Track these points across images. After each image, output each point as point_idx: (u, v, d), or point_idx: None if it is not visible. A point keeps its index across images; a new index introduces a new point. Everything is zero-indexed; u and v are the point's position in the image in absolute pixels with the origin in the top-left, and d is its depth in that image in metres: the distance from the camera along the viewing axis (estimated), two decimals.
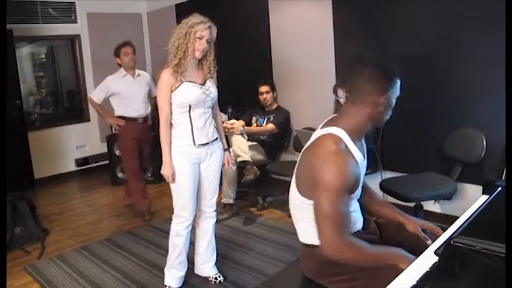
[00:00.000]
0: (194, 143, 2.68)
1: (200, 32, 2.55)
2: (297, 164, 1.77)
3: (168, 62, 2.62)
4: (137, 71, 4.30)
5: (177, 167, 2.67)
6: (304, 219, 1.73)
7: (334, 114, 1.81)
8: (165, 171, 2.66)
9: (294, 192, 1.76)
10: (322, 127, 1.74)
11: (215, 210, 2.95)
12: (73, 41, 6.02)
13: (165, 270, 2.91)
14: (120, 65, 4.24)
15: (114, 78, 4.21)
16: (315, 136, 1.72)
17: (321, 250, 1.57)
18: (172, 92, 2.61)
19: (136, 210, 4.37)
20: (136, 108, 4.21)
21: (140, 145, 4.29)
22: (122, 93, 4.16)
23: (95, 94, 4.24)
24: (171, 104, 2.64)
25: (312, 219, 1.60)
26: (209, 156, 2.78)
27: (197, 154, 2.72)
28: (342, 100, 1.74)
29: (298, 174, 1.75)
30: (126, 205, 4.62)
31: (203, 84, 2.68)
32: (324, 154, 1.58)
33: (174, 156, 2.67)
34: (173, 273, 2.87)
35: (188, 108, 2.63)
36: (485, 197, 1.75)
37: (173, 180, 2.68)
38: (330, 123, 1.73)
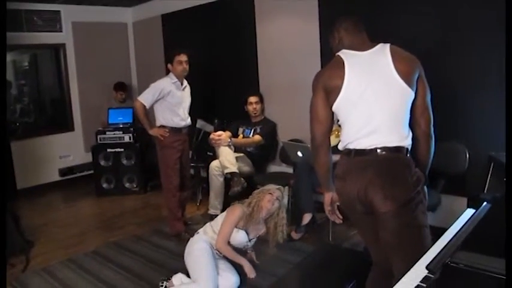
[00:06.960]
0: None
1: (271, 190, 3.03)
2: None
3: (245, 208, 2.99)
4: (184, 81, 4.08)
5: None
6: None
7: None
8: None
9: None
10: None
11: None
12: (57, 49, 5.97)
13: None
14: (168, 71, 4.00)
15: (165, 81, 3.92)
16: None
17: None
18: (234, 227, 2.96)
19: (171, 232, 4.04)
20: (184, 117, 3.99)
21: (181, 157, 4.03)
22: (173, 97, 3.91)
23: (144, 96, 3.89)
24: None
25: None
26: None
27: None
28: None
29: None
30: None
31: (250, 240, 3.03)
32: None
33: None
34: None
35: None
36: (471, 211, 1.79)
37: None
38: None
